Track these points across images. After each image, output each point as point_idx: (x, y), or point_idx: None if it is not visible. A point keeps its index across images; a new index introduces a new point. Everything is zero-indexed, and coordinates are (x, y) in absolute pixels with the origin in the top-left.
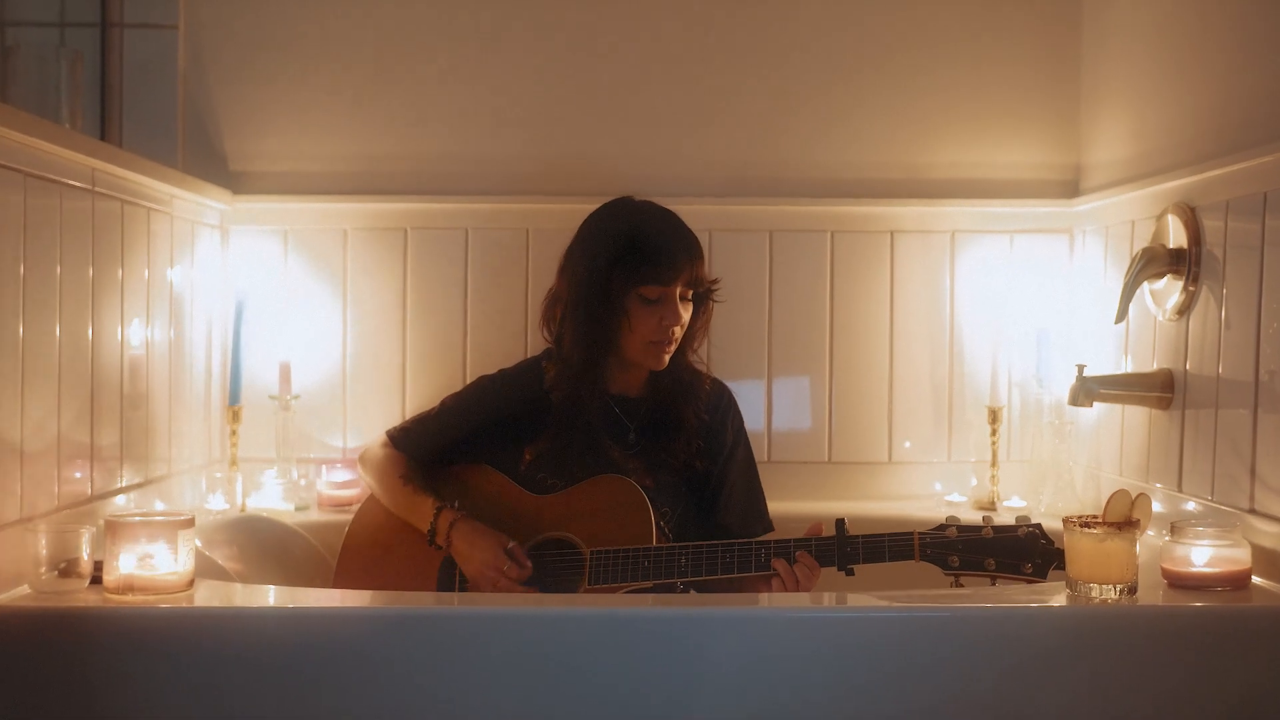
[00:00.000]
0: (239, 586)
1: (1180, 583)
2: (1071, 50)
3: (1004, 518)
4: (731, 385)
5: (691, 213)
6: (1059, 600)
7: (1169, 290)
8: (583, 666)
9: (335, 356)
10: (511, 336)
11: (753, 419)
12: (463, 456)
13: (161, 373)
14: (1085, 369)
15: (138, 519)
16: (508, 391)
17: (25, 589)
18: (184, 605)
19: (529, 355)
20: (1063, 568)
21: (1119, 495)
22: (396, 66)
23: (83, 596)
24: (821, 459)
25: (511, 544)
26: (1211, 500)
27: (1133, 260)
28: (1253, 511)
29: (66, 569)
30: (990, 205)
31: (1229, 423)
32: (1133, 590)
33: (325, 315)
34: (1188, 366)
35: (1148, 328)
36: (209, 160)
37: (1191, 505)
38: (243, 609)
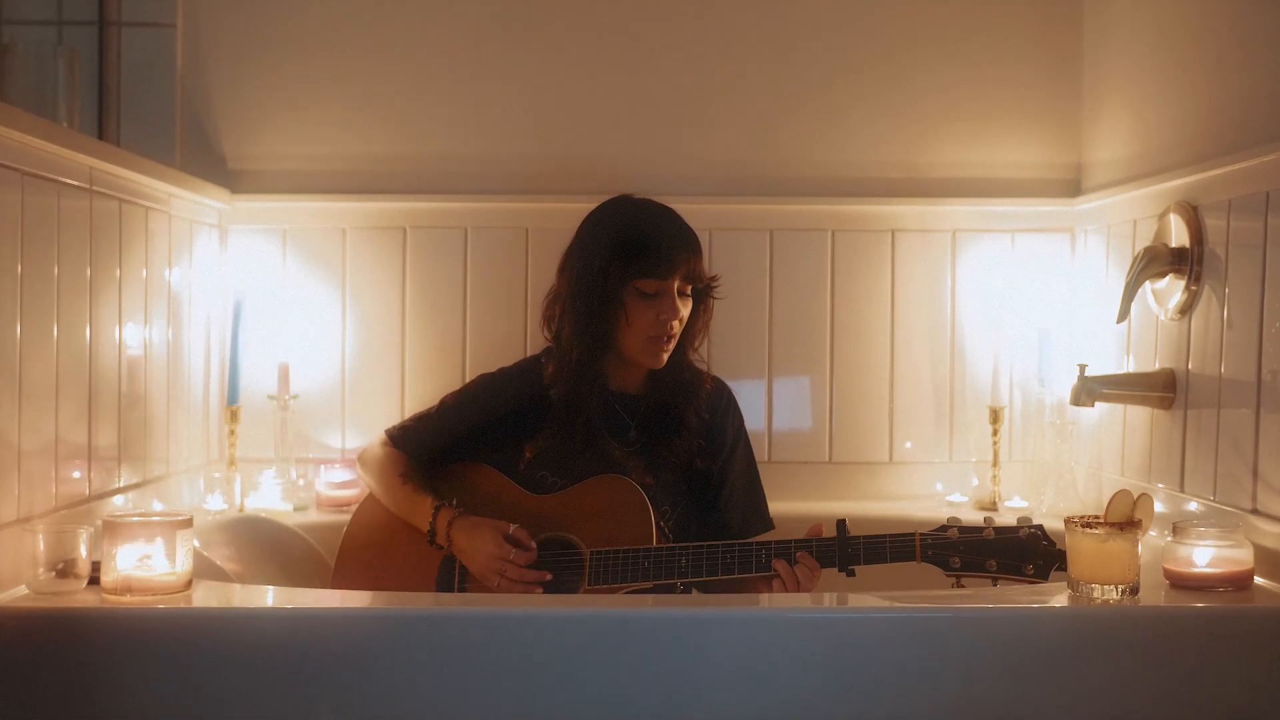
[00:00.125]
0: (237, 587)
1: (1182, 583)
2: (1073, 48)
3: (1005, 518)
4: (732, 385)
5: (691, 212)
6: (1061, 601)
7: (1171, 289)
8: (583, 667)
9: (334, 356)
10: (511, 336)
11: (753, 419)
12: (463, 455)
13: (160, 372)
14: (1087, 369)
15: (136, 519)
16: (508, 389)
17: (23, 589)
18: (182, 606)
19: (528, 354)
20: (1064, 568)
21: (1121, 495)
22: (395, 65)
23: (80, 597)
24: (822, 459)
25: (513, 528)
26: (1213, 500)
27: (1134, 259)
28: (1255, 512)
29: (64, 569)
30: (992, 204)
31: (1231, 423)
32: (1135, 591)
33: (324, 315)
34: (1190, 366)
35: (1150, 327)
36: (207, 159)
37: (1193, 505)
38: (241, 610)
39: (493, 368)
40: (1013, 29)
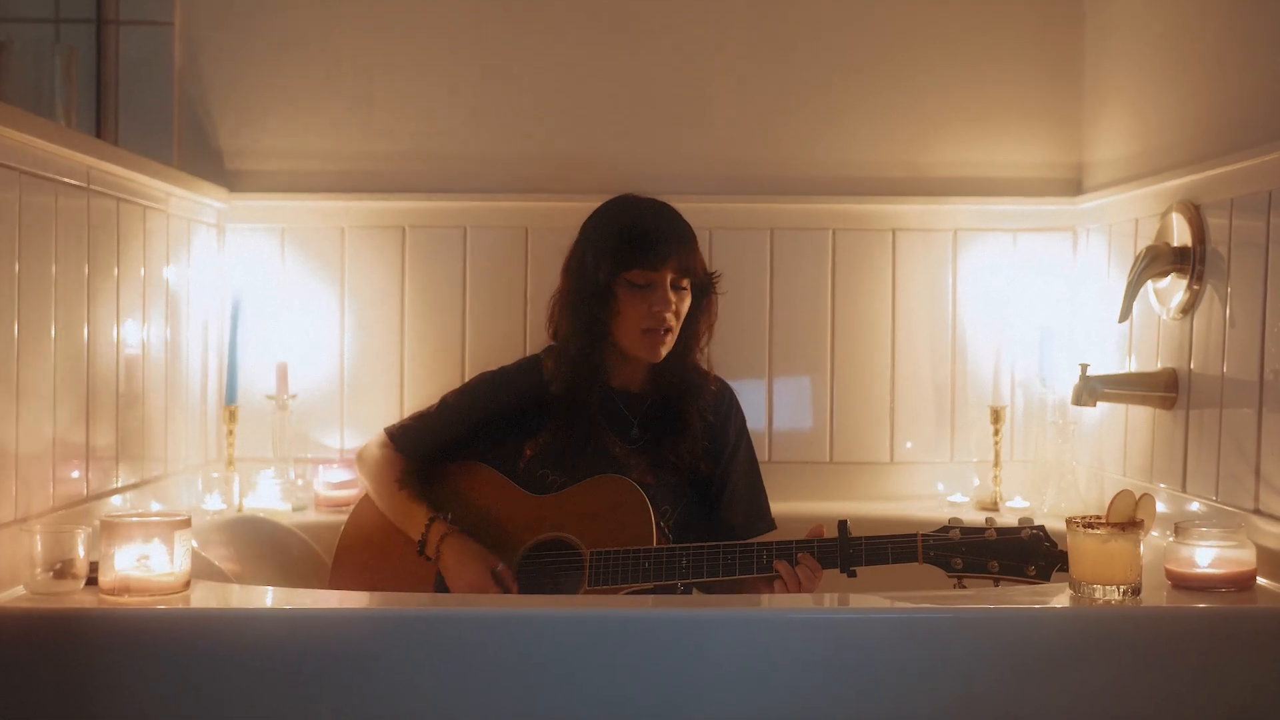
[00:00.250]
0: (236, 587)
1: (1184, 584)
2: (1074, 47)
3: (1007, 518)
4: (732, 385)
5: (692, 211)
6: (1062, 601)
7: (1173, 289)
8: (583, 667)
9: (333, 356)
10: (510, 335)
11: (754, 419)
12: (463, 454)
13: (158, 372)
14: (1089, 368)
15: (134, 519)
16: (508, 387)
17: (20, 590)
18: (180, 606)
19: (528, 353)
20: (1066, 569)
21: (1123, 496)
22: (394, 64)
23: (78, 597)
24: (823, 459)
25: (499, 566)
26: (1216, 501)
27: (1136, 259)
28: (1257, 512)
29: (62, 570)
30: (993, 203)
31: (1234, 422)
32: (1136, 591)
33: (322, 314)
34: (1192, 366)
35: (1152, 326)
36: (205, 158)
37: (1196, 506)
38: (239, 610)
39: (492, 367)
40: (1013, 28)
